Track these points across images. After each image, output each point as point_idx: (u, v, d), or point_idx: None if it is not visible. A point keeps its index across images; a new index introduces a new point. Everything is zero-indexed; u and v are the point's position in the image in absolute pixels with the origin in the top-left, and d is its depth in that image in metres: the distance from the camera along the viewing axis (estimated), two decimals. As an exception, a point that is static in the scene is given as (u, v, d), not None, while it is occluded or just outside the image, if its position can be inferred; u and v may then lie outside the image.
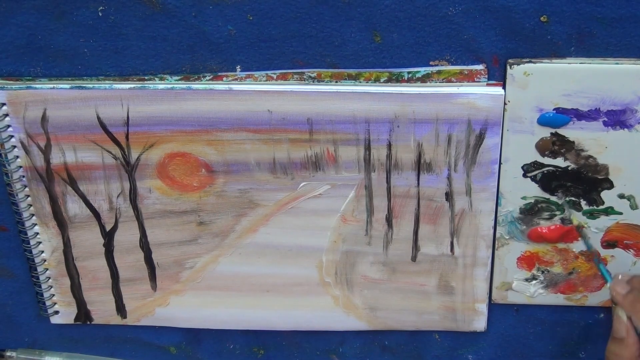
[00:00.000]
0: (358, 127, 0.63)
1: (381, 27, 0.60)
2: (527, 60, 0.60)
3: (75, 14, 0.60)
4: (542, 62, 0.60)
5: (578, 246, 0.67)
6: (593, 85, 0.60)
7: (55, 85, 0.63)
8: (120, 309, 0.72)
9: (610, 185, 0.64)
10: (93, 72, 0.63)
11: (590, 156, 0.63)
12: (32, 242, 0.69)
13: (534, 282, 0.69)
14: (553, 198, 0.65)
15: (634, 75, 0.60)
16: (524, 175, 0.64)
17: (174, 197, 0.67)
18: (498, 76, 0.61)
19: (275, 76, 0.62)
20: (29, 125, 0.64)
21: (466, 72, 0.61)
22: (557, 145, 0.63)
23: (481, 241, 0.67)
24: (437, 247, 0.68)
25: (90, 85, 0.62)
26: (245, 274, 0.70)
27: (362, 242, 0.68)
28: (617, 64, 0.60)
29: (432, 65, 0.61)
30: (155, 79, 0.63)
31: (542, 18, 0.59)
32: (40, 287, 0.71)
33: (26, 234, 0.69)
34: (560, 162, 0.63)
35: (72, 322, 0.74)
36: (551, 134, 0.62)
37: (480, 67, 0.61)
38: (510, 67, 0.60)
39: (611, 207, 0.65)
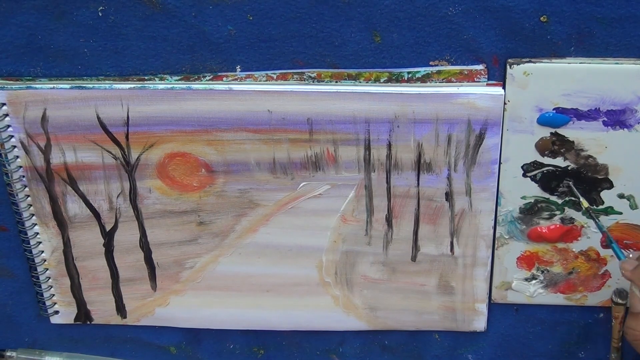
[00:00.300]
0: (358, 127, 0.63)
1: (381, 27, 0.60)
2: (527, 60, 0.60)
3: (75, 14, 0.60)
4: (542, 62, 0.60)
5: (578, 246, 0.67)
6: (593, 85, 0.60)
7: (55, 85, 0.63)
8: (120, 309, 0.72)
9: (610, 185, 0.64)
10: (93, 72, 0.63)
11: (590, 156, 0.63)
12: (32, 242, 0.69)
13: (533, 281, 0.69)
14: (553, 198, 0.65)
15: (634, 75, 0.60)
16: (524, 175, 0.64)
17: (174, 197, 0.67)
18: (498, 76, 0.61)
19: (275, 76, 0.62)
20: (29, 125, 0.64)
21: (466, 72, 0.61)
22: (557, 145, 0.63)
23: (481, 241, 0.67)
24: (437, 247, 0.68)
25: (90, 85, 0.62)
26: (245, 274, 0.70)
27: (362, 242, 0.68)
28: (616, 63, 0.60)
29: (432, 66, 0.61)
30: (155, 79, 0.63)
31: (542, 18, 0.59)
32: (40, 287, 0.71)
33: (26, 234, 0.69)
34: (560, 161, 0.63)
35: (72, 322, 0.74)
36: (551, 133, 0.62)
37: (480, 67, 0.61)
38: (510, 67, 0.60)
39: (611, 207, 0.65)
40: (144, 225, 0.68)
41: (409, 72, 0.62)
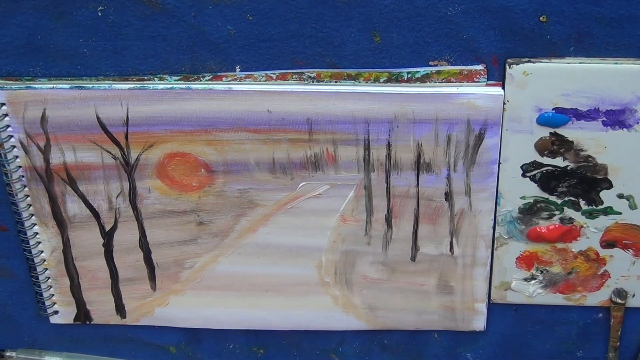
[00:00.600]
0: (357, 127, 0.63)
1: (381, 27, 0.60)
2: (527, 60, 0.60)
3: (75, 14, 0.60)
4: (541, 62, 0.60)
5: (577, 246, 0.67)
6: (592, 85, 0.60)
7: (54, 85, 0.62)
8: (120, 309, 0.72)
9: (609, 185, 0.64)
10: (92, 72, 0.63)
11: (589, 156, 0.63)
12: (31, 242, 0.69)
13: (533, 281, 0.69)
14: (552, 198, 0.65)
15: (633, 75, 0.60)
16: (523, 175, 0.64)
17: (174, 197, 0.67)
18: (497, 76, 0.61)
19: (274, 76, 0.62)
20: (29, 125, 0.64)
21: (465, 72, 0.61)
22: (556, 145, 0.63)
23: (480, 241, 0.67)
24: (437, 247, 0.68)
25: (90, 85, 0.62)
26: (245, 273, 0.70)
27: (361, 242, 0.68)
28: (616, 63, 0.60)
29: (431, 66, 0.61)
30: (155, 79, 0.63)
31: (541, 18, 0.59)
32: (39, 287, 0.71)
33: (26, 234, 0.69)
34: (559, 162, 0.64)
35: (72, 322, 0.74)
36: (550, 133, 0.62)
37: (479, 67, 0.61)
38: (510, 67, 0.60)
39: (610, 207, 0.65)
40: (143, 225, 0.68)
41: (408, 72, 0.62)
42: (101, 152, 0.65)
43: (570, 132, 0.62)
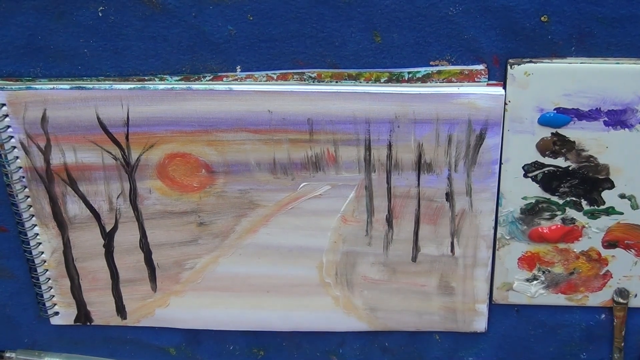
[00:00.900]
0: (358, 128, 0.63)
1: (381, 27, 0.60)
2: (528, 60, 0.60)
3: (75, 14, 0.60)
4: (542, 62, 0.60)
5: (579, 246, 0.67)
6: (594, 85, 0.60)
7: (55, 86, 0.62)
8: (120, 310, 0.72)
9: (611, 185, 0.64)
10: (93, 72, 0.63)
11: (591, 156, 0.63)
12: (32, 243, 0.69)
13: (534, 282, 0.69)
14: (554, 198, 0.65)
15: (635, 75, 0.60)
16: (525, 176, 0.64)
17: (174, 198, 0.67)
18: (498, 76, 0.61)
19: (275, 76, 0.62)
20: (29, 126, 0.64)
21: (466, 72, 0.61)
22: (558, 145, 0.63)
23: (482, 241, 0.67)
24: (438, 248, 0.68)
25: (90, 86, 0.62)
26: (246, 274, 0.70)
27: (362, 242, 0.68)
28: (617, 63, 0.60)
29: (432, 66, 0.61)
30: (155, 79, 0.63)
31: (542, 18, 0.59)
32: (40, 288, 0.71)
33: (26, 235, 0.69)
34: (561, 162, 0.63)
35: (72, 323, 0.73)
36: (552, 134, 0.62)
37: (480, 67, 0.61)
38: (511, 67, 0.60)
39: (612, 207, 0.65)
40: (144, 226, 0.68)
41: (409, 72, 0.61)
42: (102, 153, 0.65)
43: (571, 132, 0.62)
